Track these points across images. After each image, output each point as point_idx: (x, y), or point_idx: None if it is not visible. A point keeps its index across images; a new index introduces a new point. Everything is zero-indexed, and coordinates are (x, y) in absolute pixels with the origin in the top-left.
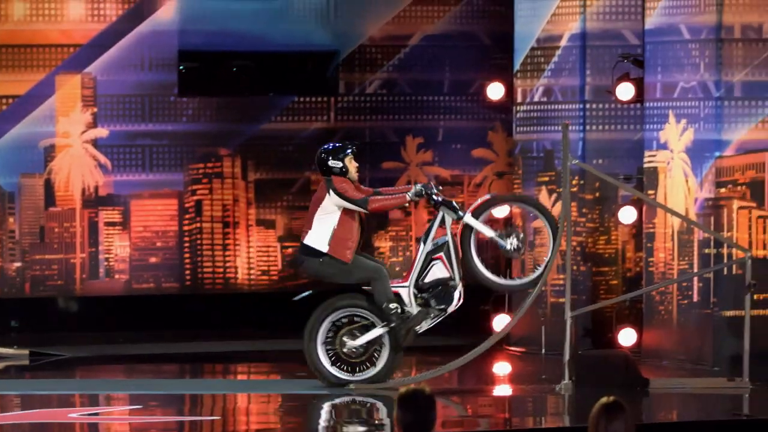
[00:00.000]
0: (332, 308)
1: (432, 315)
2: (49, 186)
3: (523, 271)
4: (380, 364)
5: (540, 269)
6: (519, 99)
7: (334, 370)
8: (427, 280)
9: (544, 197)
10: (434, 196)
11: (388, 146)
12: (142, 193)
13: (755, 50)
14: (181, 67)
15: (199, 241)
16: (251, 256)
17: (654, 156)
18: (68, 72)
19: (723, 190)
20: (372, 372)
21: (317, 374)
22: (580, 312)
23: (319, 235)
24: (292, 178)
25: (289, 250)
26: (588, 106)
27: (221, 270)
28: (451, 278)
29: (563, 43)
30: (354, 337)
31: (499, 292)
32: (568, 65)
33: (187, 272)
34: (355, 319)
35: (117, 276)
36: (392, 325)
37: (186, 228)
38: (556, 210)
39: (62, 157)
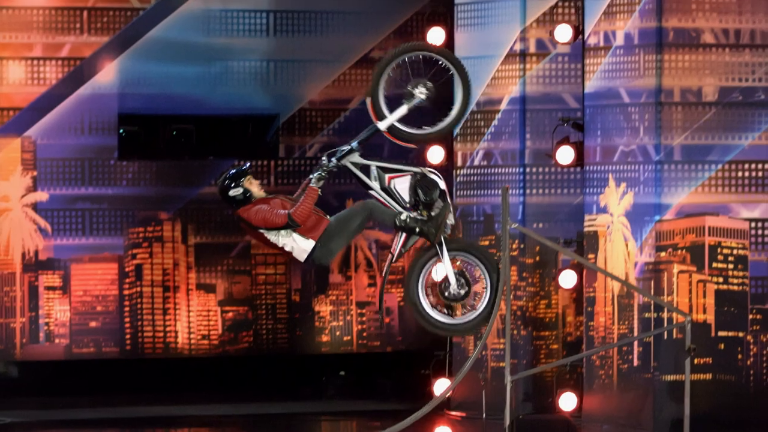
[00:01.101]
0: (418, 273)
1: (443, 202)
2: None
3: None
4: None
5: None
6: (459, 163)
7: (461, 319)
8: (407, 197)
9: None
10: (331, 163)
11: (328, 210)
12: (82, 257)
13: (695, 114)
14: (121, 131)
15: (139, 305)
16: (191, 320)
17: (594, 220)
18: (8, 135)
19: (663, 254)
20: (489, 292)
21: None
22: (521, 376)
23: (299, 246)
24: (232, 242)
25: (230, 314)
26: (528, 169)
27: (161, 334)
28: (413, 174)
29: (503, 106)
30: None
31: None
32: (508, 129)
33: (128, 336)
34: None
35: (57, 340)
36: (419, 229)
37: (126, 292)
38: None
39: (2, 221)
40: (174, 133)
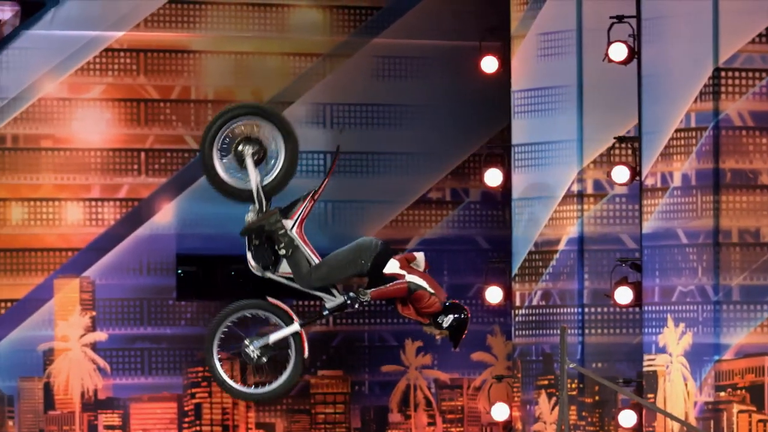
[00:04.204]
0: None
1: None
2: (48, 389)
3: None
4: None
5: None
6: (517, 303)
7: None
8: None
9: (543, 401)
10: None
11: (387, 350)
12: (141, 397)
13: (753, 254)
14: (179, 271)
15: None
16: None
17: (653, 360)
18: (66, 276)
19: (722, 393)
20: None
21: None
22: None
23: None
24: None
25: None
26: (586, 309)
27: None
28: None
29: (561, 247)
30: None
31: None
32: (567, 269)
33: None
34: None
35: None
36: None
37: (186, 431)
38: (555, 415)
39: (61, 361)
40: (232, 273)
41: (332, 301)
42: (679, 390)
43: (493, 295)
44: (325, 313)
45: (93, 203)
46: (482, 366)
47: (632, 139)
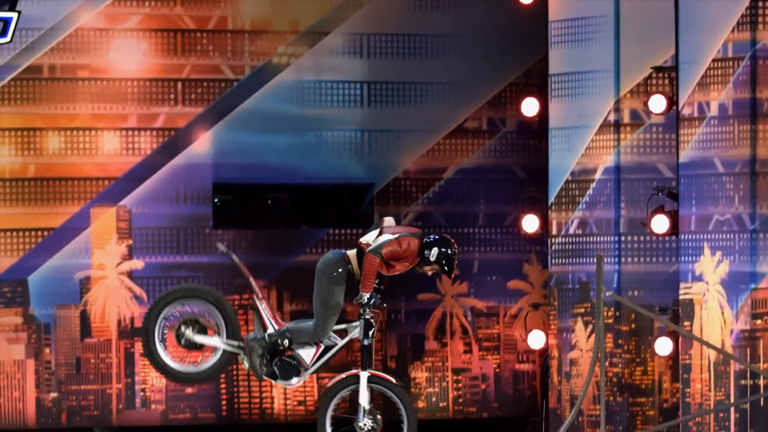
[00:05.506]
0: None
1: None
2: (84, 317)
3: None
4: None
5: None
6: (554, 231)
7: None
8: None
9: (579, 329)
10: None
11: (423, 278)
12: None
13: None
14: (215, 200)
15: (235, 372)
16: None
17: (689, 288)
18: (103, 205)
19: (759, 321)
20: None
21: None
22: None
23: None
24: None
25: (326, 380)
26: (623, 238)
27: (257, 400)
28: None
29: (597, 176)
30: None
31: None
32: (603, 198)
33: (224, 403)
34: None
35: (153, 406)
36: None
37: None
38: (591, 343)
39: (98, 289)
40: (269, 201)
41: (354, 329)
42: (715, 318)
43: (530, 223)
44: (366, 342)
45: (130, 133)
46: (519, 294)
47: (669, 69)
